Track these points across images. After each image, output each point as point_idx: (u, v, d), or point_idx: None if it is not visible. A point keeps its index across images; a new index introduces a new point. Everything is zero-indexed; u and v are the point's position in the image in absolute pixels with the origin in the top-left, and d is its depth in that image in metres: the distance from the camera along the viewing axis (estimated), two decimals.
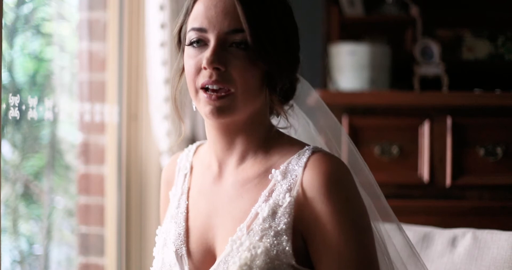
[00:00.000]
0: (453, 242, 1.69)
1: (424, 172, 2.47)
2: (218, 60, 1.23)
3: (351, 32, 2.83)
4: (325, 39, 2.85)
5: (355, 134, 2.45)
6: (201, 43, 1.26)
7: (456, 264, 1.66)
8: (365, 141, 2.45)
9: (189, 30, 1.27)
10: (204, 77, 1.24)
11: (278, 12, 1.27)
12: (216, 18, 1.24)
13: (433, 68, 2.66)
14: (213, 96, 1.24)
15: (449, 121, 2.46)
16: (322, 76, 2.80)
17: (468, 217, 2.39)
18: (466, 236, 1.68)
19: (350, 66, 2.63)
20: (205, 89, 1.25)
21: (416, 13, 2.82)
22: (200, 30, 1.25)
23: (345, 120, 2.47)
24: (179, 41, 1.32)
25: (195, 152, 1.42)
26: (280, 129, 1.34)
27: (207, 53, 1.23)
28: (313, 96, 1.41)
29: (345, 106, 2.47)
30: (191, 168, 1.39)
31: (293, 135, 1.37)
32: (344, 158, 1.33)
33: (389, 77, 2.69)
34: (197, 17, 1.26)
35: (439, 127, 2.46)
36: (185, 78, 1.30)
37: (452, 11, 2.87)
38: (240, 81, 1.23)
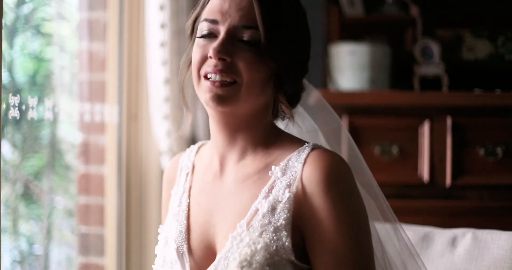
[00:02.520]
0: (453, 242, 1.69)
1: (424, 172, 2.46)
2: (225, 51, 1.24)
3: (351, 32, 2.83)
4: (325, 39, 2.85)
5: (355, 134, 2.45)
6: (211, 34, 1.27)
7: (456, 264, 1.66)
8: (365, 141, 2.45)
9: (202, 21, 1.29)
10: (209, 66, 1.26)
11: (293, 13, 1.29)
12: (229, 12, 1.26)
13: (433, 68, 2.66)
14: (216, 83, 1.25)
15: (449, 121, 2.46)
16: (322, 76, 2.80)
17: (468, 217, 2.39)
18: (466, 236, 1.68)
19: (350, 66, 2.63)
20: (208, 78, 1.26)
21: (416, 13, 2.82)
22: (212, 21, 1.27)
23: (345, 121, 2.46)
24: (192, 31, 1.34)
25: (197, 151, 1.43)
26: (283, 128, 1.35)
27: (215, 43, 1.25)
28: (314, 95, 1.42)
29: (345, 106, 2.47)
30: (193, 167, 1.40)
31: (295, 131, 1.38)
32: (344, 156, 1.33)
33: (389, 77, 2.69)
34: (211, 9, 1.28)
35: (439, 127, 2.46)
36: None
37: (452, 11, 2.87)
38: (245, 73, 1.24)
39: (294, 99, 1.34)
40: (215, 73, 1.25)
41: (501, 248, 1.61)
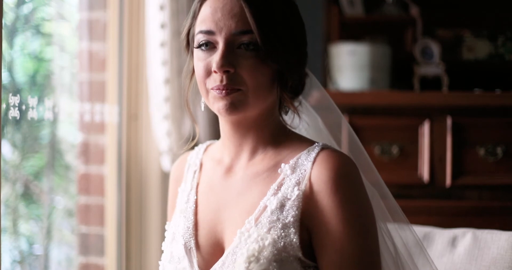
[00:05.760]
0: (453, 242, 1.69)
1: (424, 172, 2.46)
2: (228, 63, 1.26)
3: (351, 32, 2.83)
4: (325, 39, 2.85)
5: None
6: (209, 45, 1.28)
7: (456, 264, 1.66)
8: (365, 141, 2.44)
9: (197, 33, 1.30)
10: (215, 81, 1.27)
11: (284, 11, 1.29)
12: (223, 20, 1.26)
13: (433, 68, 2.66)
14: (224, 92, 1.26)
15: (449, 121, 2.46)
16: (322, 76, 2.80)
17: (468, 217, 2.39)
18: (466, 236, 1.68)
19: (350, 66, 2.63)
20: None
21: (416, 13, 2.82)
22: (208, 33, 1.28)
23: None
24: (188, 44, 1.35)
25: (205, 150, 1.46)
26: (292, 128, 1.37)
27: (217, 56, 1.26)
28: (319, 92, 1.44)
29: (345, 106, 2.47)
30: (201, 165, 1.43)
31: (303, 130, 1.41)
32: (346, 152, 1.35)
33: (389, 77, 2.69)
34: (204, 20, 1.29)
35: (439, 127, 2.46)
36: (195, 80, 1.33)
37: (452, 11, 2.87)
38: (250, 81, 1.26)
39: (299, 88, 1.36)
40: (222, 89, 1.27)
41: (501, 248, 1.61)
